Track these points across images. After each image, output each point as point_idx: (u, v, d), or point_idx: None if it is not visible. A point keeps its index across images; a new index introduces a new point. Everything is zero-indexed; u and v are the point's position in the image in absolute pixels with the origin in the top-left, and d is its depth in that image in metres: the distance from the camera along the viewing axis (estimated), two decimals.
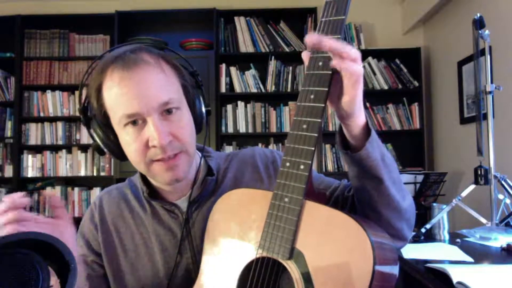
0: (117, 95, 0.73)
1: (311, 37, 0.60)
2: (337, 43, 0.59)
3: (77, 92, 0.84)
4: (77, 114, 0.83)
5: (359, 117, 0.65)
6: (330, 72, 0.63)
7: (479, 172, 1.79)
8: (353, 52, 0.60)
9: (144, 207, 0.87)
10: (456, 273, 1.08)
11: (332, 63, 0.61)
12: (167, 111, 0.75)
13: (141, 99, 0.72)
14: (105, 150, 0.81)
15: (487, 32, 1.81)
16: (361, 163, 0.67)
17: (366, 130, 0.67)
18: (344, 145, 0.70)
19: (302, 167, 0.65)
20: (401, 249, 0.78)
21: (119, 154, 0.80)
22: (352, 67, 0.60)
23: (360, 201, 0.74)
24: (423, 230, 1.71)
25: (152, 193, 0.85)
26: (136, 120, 0.74)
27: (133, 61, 0.74)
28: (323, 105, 0.64)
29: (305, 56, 0.66)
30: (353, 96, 0.62)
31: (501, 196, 1.76)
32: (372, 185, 0.69)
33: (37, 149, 3.42)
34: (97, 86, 0.76)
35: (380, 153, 0.68)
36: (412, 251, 1.48)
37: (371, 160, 0.67)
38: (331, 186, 0.85)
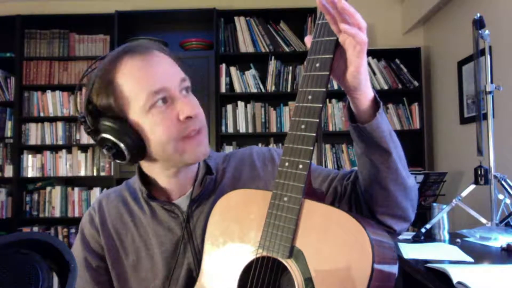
0: (140, 75, 0.75)
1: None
2: (350, 7, 0.61)
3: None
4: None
5: (366, 89, 0.66)
6: (332, 55, 0.65)
7: (479, 172, 1.79)
8: (362, 21, 0.61)
9: (143, 209, 0.86)
10: (456, 273, 1.08)
11: (341, 26, 0.62)
12: (185, 89, 0.79)
13: (165, 75, 0.76)
14: (123, 146, 0.75)
15: (487, 32, 1.81)
16: (371, 135, 0.68)
17: (374, 105, 0.68)
18: (353, 121, 0.71)
19: (301, 166, 0.65)
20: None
21: (139, 147, 0.76)
22: (359, 34, 0.61)
23: (368, 180, 0.75)
24: (423, 230, 1.71)
25: (151, 194, 0.85)
26: (164, 97, 0.75)
27: (146, 49, 0.78)
28: (320, 105, 0.65)
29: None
30: (358, 66, 0.63)
31: (501, 196, 1.76)
32: (380, 159, 0.70)
33: (37, 149, 3.42)
34: (108, 80, 0.75)
35: (387, 127, 0.69)
36: (412, 251, 1.48)
37: (380, 131, 0.68)
38: (329, 177, 0.85)
